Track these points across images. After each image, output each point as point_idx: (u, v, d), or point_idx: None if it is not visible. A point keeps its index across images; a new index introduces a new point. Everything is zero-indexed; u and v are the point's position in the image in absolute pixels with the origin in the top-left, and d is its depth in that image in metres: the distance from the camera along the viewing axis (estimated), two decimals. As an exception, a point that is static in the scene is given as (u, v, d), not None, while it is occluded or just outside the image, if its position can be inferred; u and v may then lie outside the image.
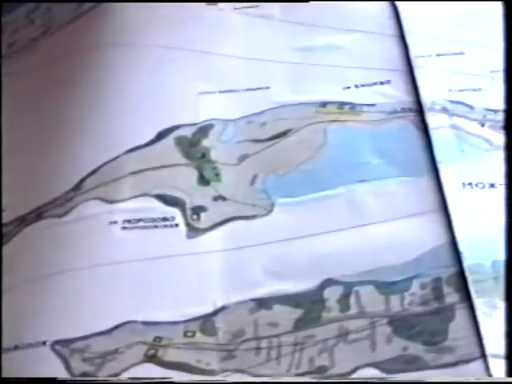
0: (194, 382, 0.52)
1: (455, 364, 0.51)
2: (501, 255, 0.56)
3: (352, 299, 0.56)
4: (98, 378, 0.53)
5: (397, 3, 0.72)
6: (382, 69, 0.68)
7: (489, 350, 0.51)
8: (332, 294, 0.56)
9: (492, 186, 0.59)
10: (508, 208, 0.56)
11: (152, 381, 0.52)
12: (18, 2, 0.80)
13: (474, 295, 0.54)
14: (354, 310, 0.55)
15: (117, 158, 0.64)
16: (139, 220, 0.61)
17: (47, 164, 0.65)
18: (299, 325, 0.55)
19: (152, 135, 0.66)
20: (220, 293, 0.57)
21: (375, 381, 0.51)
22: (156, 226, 0.60)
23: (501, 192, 0.59)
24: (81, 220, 0.61)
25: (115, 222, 0.60)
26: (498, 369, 0.51)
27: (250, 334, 0.55)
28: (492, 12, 0.70)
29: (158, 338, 0.55)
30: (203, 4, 0.76)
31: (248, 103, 0.68)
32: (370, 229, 0.59)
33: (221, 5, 0.76)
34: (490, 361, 0.51)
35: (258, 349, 0.54)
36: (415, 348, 0.53)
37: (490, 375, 0.50)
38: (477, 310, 0.54)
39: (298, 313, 0.55)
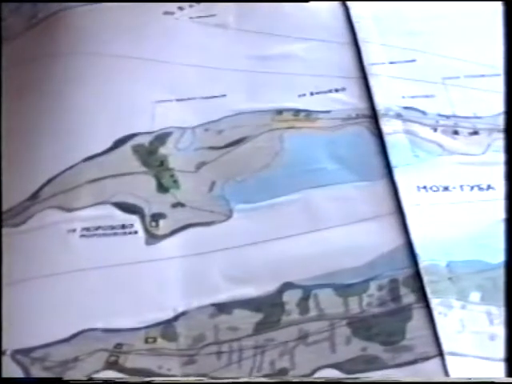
0: (193, 382, 0.52)
1: (413, 362, 0.52)
2: (455, 256, 0.57)
3: (311, 302, 0.56)
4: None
5: (351, 12, 0.73)
6: (337, 76, 0.69)
7: (445, 348, 0.52)
8: (291, 298, 0.57)
9: (446, 189, 0.61)
10: (508, 209, 0.57)
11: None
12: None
13: (429, 295, 0.55)
14: (313, 313, 0.56)
15: (74, 166, 0.64)
16: (98, 228, 0.61)
17: (3, 174, 0.64)
18: (259, 328, 0.55)
19: (109, 143, 0.66)
20: (180, 298, 0.57)
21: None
22: (115, 234, 0.60)
23: (455, 195, 0.60)
24: (39, 229, 0.61)
25: (74, 230, 0.60)
26: (455, 366, 0.51)
27: (211, 339, 0.55)
28: (443, 20, 0.72)
29: (118, 345, 0.55)
30: (160, 13, 0.76)
31: (205, 111, 0.68)
32: (327, 233, 0.60)
33: (177, 14, 0.76)
34: (447, 358, 0.52)
35: (219, 353, 0.54)
36: (374, 348, 0.53)
37: (447, 372, 0.51)
38: (433, 310, 0.54)
39: (257, 317, 0.56)
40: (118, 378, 0.53)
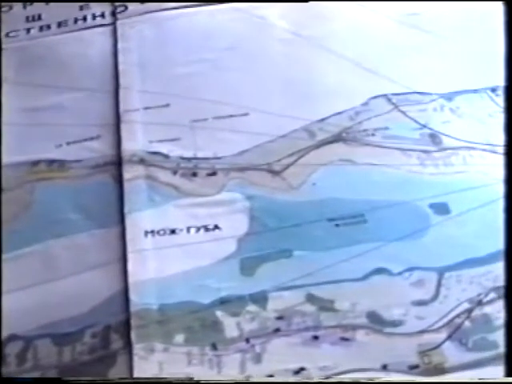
0: (197, 382, 0.56)
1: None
2: (169, 299, 0.60)
3: (30, 353, 0.58)
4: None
5: (119, 60, 0.75)
6: (95, 125, 0.71)
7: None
8: (12, 349, 0.59)
9: (173, 231, 0.63)
10: (507, 210, 0.60)
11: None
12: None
13: (134, 340, 0.57)
14: (29, 364, 0.58)
15: None
16: None
17: None
18: (-21, 383, 0.57)
19: None
20: None
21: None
22: None
23: (180, 237, 0.63)
24: None
25: None
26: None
27: None
28: (203, 63, 0.74)
29: None
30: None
31: (-29, 167, 0.70)
32: (60, 283, 0.62)
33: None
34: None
35: None
36: (78, 398, 0.55)
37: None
38: (134, 355, 0.56)
39: (-21, 371, 0.58)
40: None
